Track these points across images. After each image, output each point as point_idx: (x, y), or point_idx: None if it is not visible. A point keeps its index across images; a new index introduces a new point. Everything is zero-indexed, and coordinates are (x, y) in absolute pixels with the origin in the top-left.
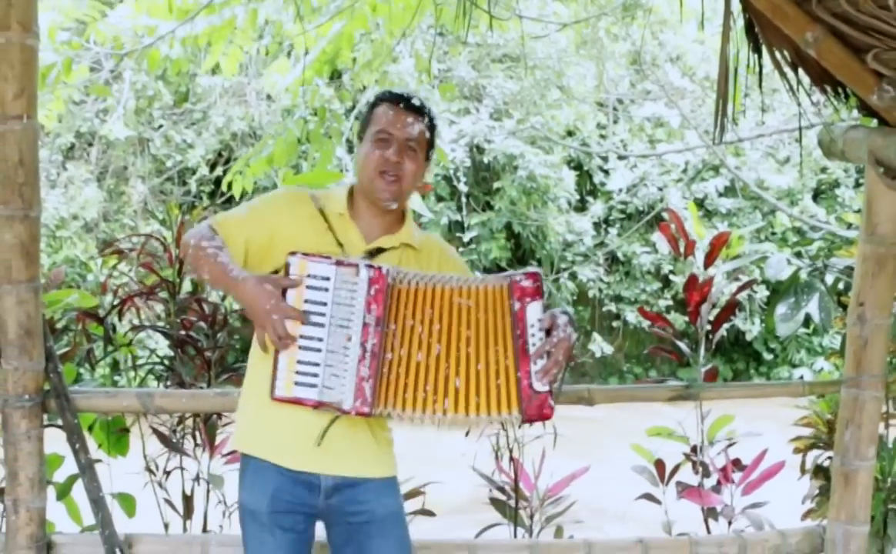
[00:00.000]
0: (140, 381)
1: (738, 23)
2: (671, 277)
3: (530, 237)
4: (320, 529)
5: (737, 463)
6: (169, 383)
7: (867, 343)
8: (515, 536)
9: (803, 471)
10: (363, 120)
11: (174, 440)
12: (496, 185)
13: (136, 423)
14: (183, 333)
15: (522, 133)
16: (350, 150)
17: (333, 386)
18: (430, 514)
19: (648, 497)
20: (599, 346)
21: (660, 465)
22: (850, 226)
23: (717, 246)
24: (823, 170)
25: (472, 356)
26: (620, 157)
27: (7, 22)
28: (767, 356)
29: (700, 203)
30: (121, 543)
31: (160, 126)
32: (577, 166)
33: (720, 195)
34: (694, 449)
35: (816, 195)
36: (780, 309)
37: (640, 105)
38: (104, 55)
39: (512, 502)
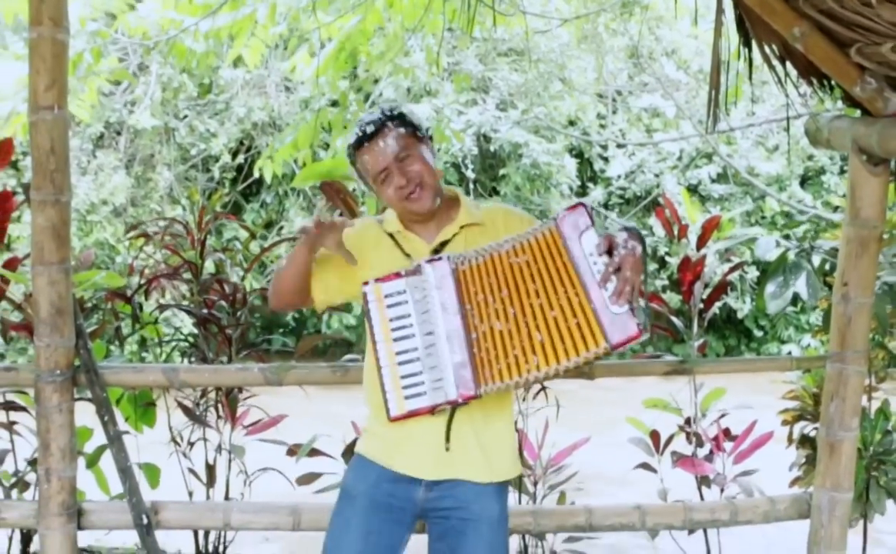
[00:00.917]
0: (165, 356)
1: (730, 18)
2: (667, 258)
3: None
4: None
5: (728, 434)
6: (193, 359)
7: (851, 321)
8: (520, 502)
9: (790, 441)
10: (358, 176)
11: (198, 413)
12: (502, 171)
13: (162, 396)
14: (206, 311)
15: (527, 123)
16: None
17: (439, 385)
18: None
19: (645, 466)
20: None
21: (655, 435)
22: (835, 210)
23: (709, 229)
24: (810, 157)
25: (545, 306)
26: (619, 146)
27: (39, 17)
28: (757, 333)
29: (694, 189)
30: (147, 510)
31: (185, 116)
32: (579, 154)
33: (713, 181)
34: (688, 420)
35: (803, 181)
36: (770, 288)
37: (638, 96)
38: (131, 47)
39: (519, 470)
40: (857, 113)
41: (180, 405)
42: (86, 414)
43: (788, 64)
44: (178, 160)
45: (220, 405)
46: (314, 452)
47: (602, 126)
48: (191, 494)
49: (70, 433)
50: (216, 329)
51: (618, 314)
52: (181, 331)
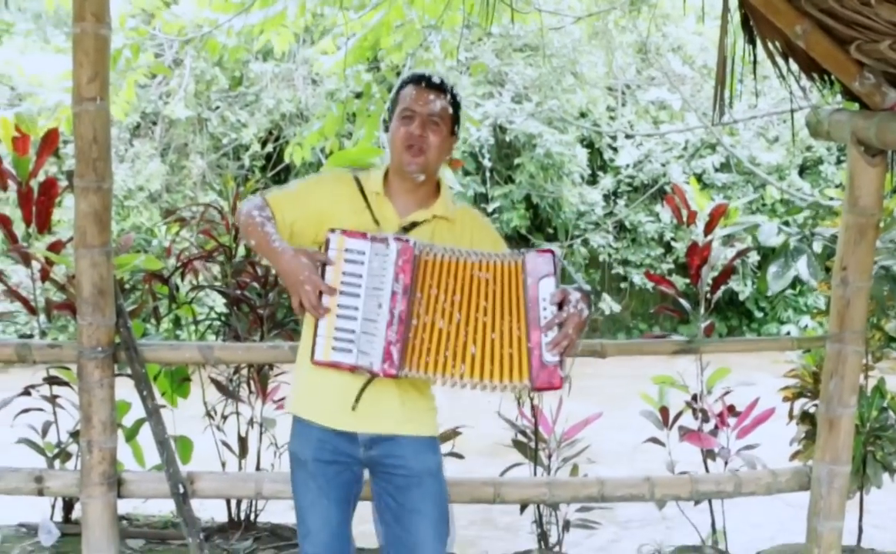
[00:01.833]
0: (200, 335)
1: (735, 17)
2: (673, 243)
3: (547, 208)
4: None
5: (732, 410)
6: (226, 337)
7: (849, 303)
8: (535, 474)
9: (791, 417)
10: (391, 103)
11: (230, 388)
12: (517, 161)
13: (197, 372)
14: (238, 292)
15: (540, 115)
16: (386, 129)
17: (367, 351)
18: (460, 456)
19: (654, 440)
20: (609, 305)
21: (664, 411)
22: (831, 199)
23: (717, 216)
24: (808, 148)
25: (489, 325)
26: (628, 137)
27: (82, 13)
28: (758, 314)
29: (698, 177)
30: (183, 480)
31: (217, 107)
32: (589, 144)
33: (716, 170)
34: (694, 397)
35: (802, 171)
36: (772, 268)
37: (646, 90)
38: (167, 43)
39: (532, 444)
40: (856, 107)
41: (214, 381)
42: (125, 389)
43: (791, 60)
44: (211, 149)
45: (251, 381)
46: None
47: (612, 118)
48: (224, 464)
49: (111, 407)
50: (248, 309)
51: (548, 362)
52: (214, 310)
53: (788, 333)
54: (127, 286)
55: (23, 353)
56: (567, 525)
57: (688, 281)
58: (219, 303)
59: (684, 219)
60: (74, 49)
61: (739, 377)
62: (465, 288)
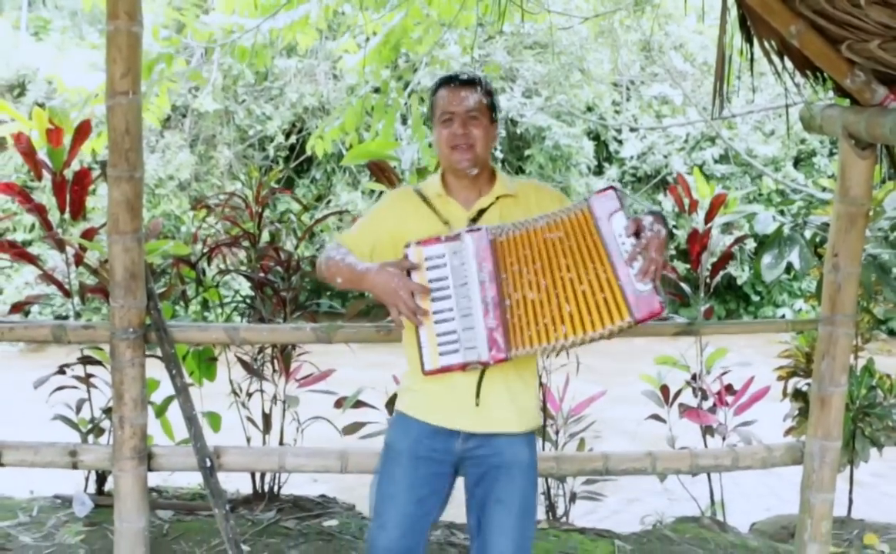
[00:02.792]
0: (226, 317)
1: (733, 16)
2: (675, 230)
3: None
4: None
5: (729, 388)
6: (251, 319)
7: (840, 288)
8: (544, 448)
9: (785, 395)
10: (429, 109)
11: (255, 367)
12: (527, 152)
13: (223, 352)
14: (262, 276)
15: (549, 109)
16: (404, 122)
17: (472, 345)
18: None
19: (655, 417)
20: None
21: (665, 389)
22: (824, 189)
23: (716, 205)
24: (802, 141)
25: (575, 280)
26: (632, 130)
27: (116, 12)
28: (754, 298)
29: (699, 169)
30: (210, 454)
31: (243, 101)
32: (596, 137)
33: (716, 162)
34: (694, 376)
35: (796, 162)
36: (766, 259)
37: (649, 86)
38: (198, 49)
39: (541, 421)
40: (847, 102)
41: (240, 360)
42: (155, 368)
43: (786, 58)
44: (237, 140)
45: (275, 360)
46: (359, 404)
47: (617, 112)
48: (249, 439)
49: (141, 385)
50: (272, 292)
51: (642, 291)
52: (239, 293)
53: (783, 316)
54: (157, 270)
55: (58, 333)
56: (574, 497)
57: (688, 266)
58: (244, 286)
59: (686, 208)
60: (108, 46)
61: (737, 358)
62: (542, 254)
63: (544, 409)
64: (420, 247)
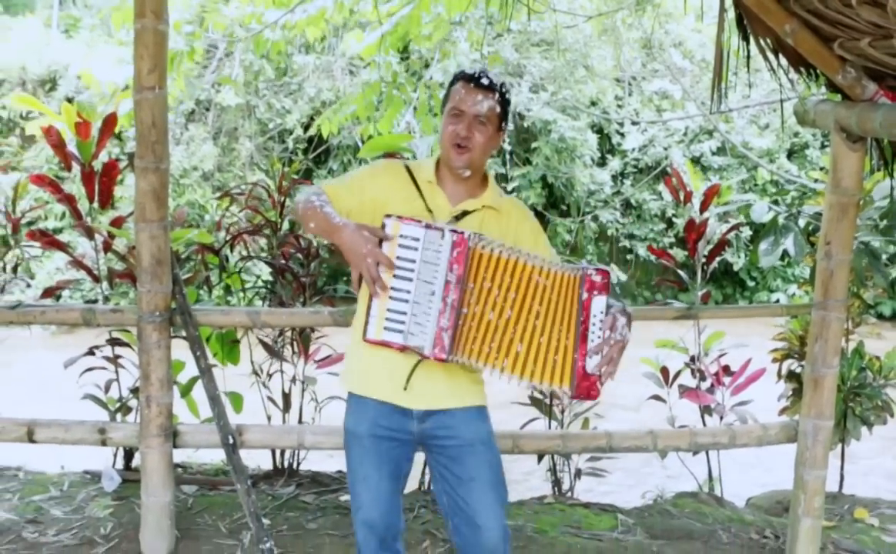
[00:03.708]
0: (248, 301)
1: (730, 16)
2: (674, 219)
3: (561, 187)
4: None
5: (727, 370)
6: (271, 303)
7: (833, 274)
8: (550, 427)
9: (780, 376)
10: (444, 97)
11: (276, 349)
12: (534, 144)
13: (245, 335)
14: (282, 262)
15: (555, 103)
16: (415, 114)
17: (416, 333)
18: None
19: (656, 397)
20: (616, 275)
21: (665, 371)
22: (816, 180)
23: (710, 195)
24: (796, 134)
25: (539, 329)
26: (633, 123)
27: (143, 11)
28: (750, 283)
29: (697, 160)
30: (233, 432)
31: (264, 95)
32: (599, 130)
33: (713, 154)
34: (692, 358)
35: (790, 154)
36: (763, 246)
37: (650, 81)
38: (219, 41)
39: (547, 401)
40: (839, 98)
41: (261, 342)
42: (180, 349)
43: (780, 55)
44: (258, 133)
45: (294, 342)
46: None
47: (619, 106)
48: (269, 418)
49: (167, 366)
50: (291, 277)
51: (590, 375)
52: (260, 279)
53: (778, 301)
54: (182, 257)
55: (88, 317)
56: (578, 473)
57: (686, 253)
58: (265, 272)
59: (682, 198)
60: (136, 43)
61: (733, 340)
62: (520, 288)
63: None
64: (399, 222)
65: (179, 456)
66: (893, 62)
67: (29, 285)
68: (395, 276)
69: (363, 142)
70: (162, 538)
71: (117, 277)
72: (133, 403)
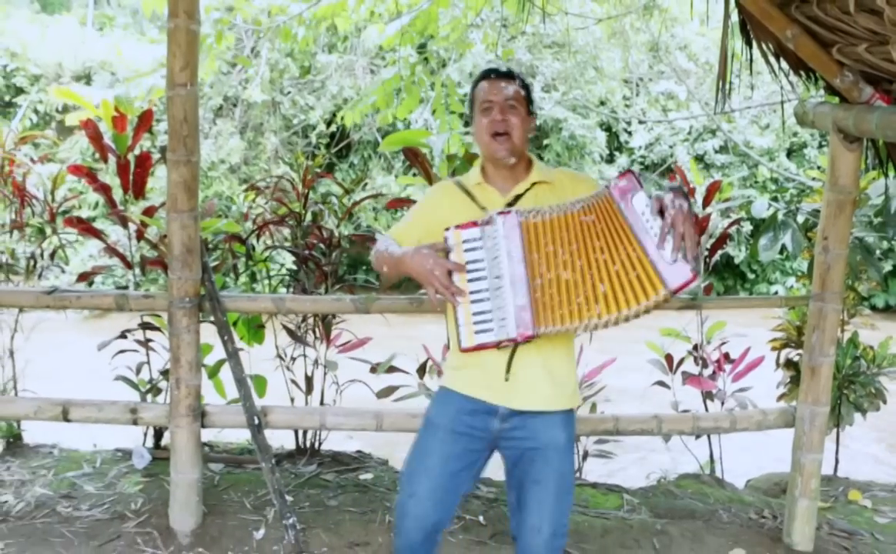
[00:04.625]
0: (273, 288)
1: (734, 20)
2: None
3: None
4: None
5: (727, 357)
6: (295, 290)
7: (830, 268)
8: None
9: (778, 364)
10: (469, 103)
11: (299, 334)
12: (546, 142)
13: (270, 320)
14: (306, 251)
15: (566, 102)
16: (434, 112)
17: (503, 324)
18: None
19: (660, 383)
20: None
21: (669, 358)
22: (814, 178)
23: (712, 191)
24: (795, 134)
25: (609, 260)
26: (640, 122)
27: (176, 10)
28: (750, 276)
29: (700, 158)
30: (258, 413)
31: (288, 92)
32: (608, 128)
33: (716, 152)
34: (695, 346)
35: (789, 153)
36: (763, 241)
37: (656, 82)
38: (245, 32)
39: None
40: (837, 100)
41: (285, 328)
42: (208, 334)
43: (781, 59)
44: (283, 128)
45: (317, 328)
46: (392, 369)
47: (627, 106)
48: (292, 400)
49: (196, 349)
50: (314, 266)
51: (673, 263)
52: (285, 267)
53: (777, 293)
54: (211, 246)
55: (120, 302)
56: (586, 455)
57: None
58: (289, 261)
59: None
60: (169, 42)
61: (734, 330)
62: (578, 236)
63: None
64: (458, 230)
65: (207, 435)
66: (889, 67)
67: (63, 271)
68: (469, 280)
69: (382, 138)
70: (190, 513)
71: (149, 264)
72: (163, 384)
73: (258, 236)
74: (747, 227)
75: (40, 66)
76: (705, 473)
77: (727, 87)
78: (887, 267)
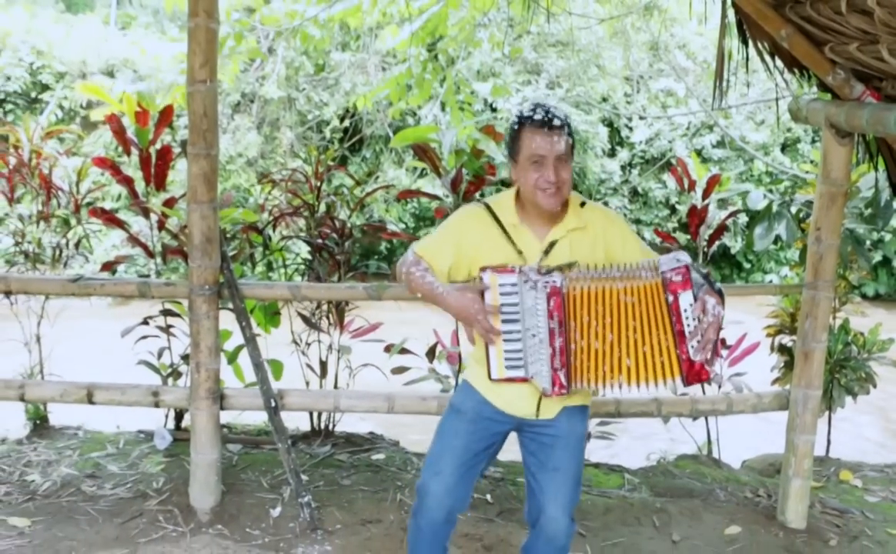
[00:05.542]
0: (288, 276)
1: (731, 20)
2: (677, 206)
3: (574, 176)
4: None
5: (724, 343)
6: (309, 278)
7: (822, 258)
8: None
9: (773, 350)
10: (511, 138)
11: (314, 320)
12: None
13: (286, 307)
14: (320, 241)
15: (569, 99)
16: (443, 110)
17: (537, 371)
18: None
19: None
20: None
21: None
22: (807, 172)
23: (712, 184)
24: (789, 130)
25: (639, 341)
26: (641, 118)
27: (196, 10)
28: (746, 265)
29: (698, 153)
30: (274, 395)
31: (303, 89)
32: (609, 124)
33: (713, 147)
34: None
35: (783, 148)
36: (758, 230)
37: (656, 80)
38: (263, 33)
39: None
40: (829, 97)
41: (300, 314)
42: (227, 320)
43: (776, 57)
44: (298, 123)
45: (331, 314)
46: (404, 351)
47: (628, 102)
48: (308, 383)
49: (215, 335)
50: (328, 255)
51: (695, 361)
52: (300, 256)
53: (771, 281)
54: (229, 235)
55: (142, 289)
56: (589, 436)
57: (688, 237)
58: (304, 250)
59: (686, 186)
60: (189, 40)
61: (730, 316)
62: (613, 312)
63: None
64: (496, 275)
65: (226, 417)
66: (879, 65)
67: (87, 261)
68: (503, 320)
69: (394, 133)
70: (209, 492)
71: (170, 253)
72: (183, 368)
73: (274, 227)
74: (743, 219)
75: (65, 64)
76: (703, 454)
77: (724, 84)
78: (877, 257)
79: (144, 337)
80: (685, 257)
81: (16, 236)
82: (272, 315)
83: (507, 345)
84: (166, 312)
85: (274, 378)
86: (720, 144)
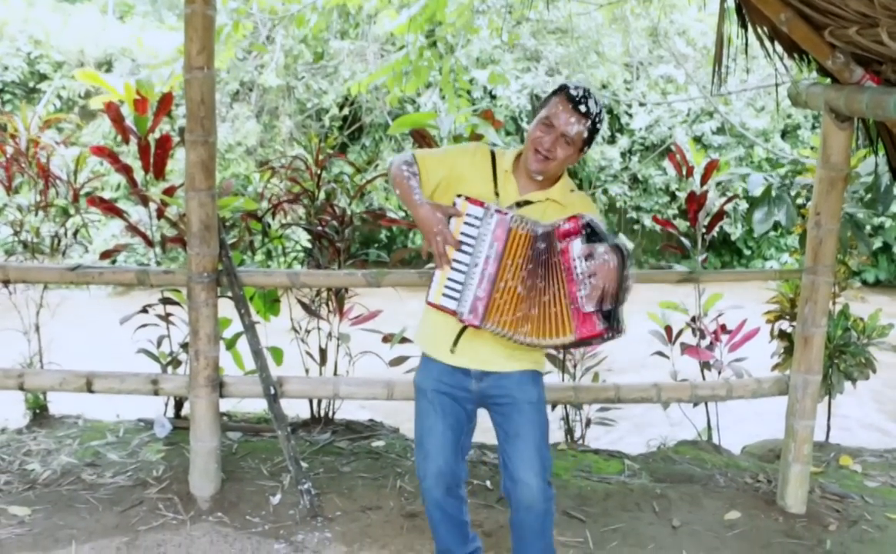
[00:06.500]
0: (288, 264)
1: (730, 5)
2: (677, 192)
3: (575, 163)
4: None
5: (724, 329)
6: (309, 266)
7: (822, 242)
8: (563, 380)
9: (773, 335)
10: (546, 96)
11: (313, 307)
12: None
13: (285, 294)
14: (319, 228)
15: None
16: (443, 98)
17: (463, 300)
18: None
19: (660, 353)
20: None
21: (668, 330)
22: (806, 157)
23: (709, 170)
24: (789, 116)
25: (543, 289)
26: (641, 105)
27: None
28: (746, 251)
29: (698, 139)
30: (274, 383)
31: (302, 77)
32: (609, 111)
33: (713, 133)
34: (693, 318)
35: (783, 134)
36: (758, 215)
37: (656, 66)
38: (261, 20)
39: (560, 356)
40: (829, 81)
41: (299, 302)
42: (226, 308)
43: (776, 42)
44: (297, 112)
45: (330, 302)
46: (403, 340)
47: (628, 89)
48: (307, 371)
49: (214, 322)
50: (327, 242)
51: (586, 313)
52: (299, 244)
53: (771, 267)
54: (228, 223)
55: (142, 278)
56: (589, 422)
57: (689, 224)
58: (303, 238)
59: (684, 173)
60: (186, 27)
61: (731, 302)
62: (534, 259)
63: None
64: (467, 202)
65: (225, 405)
66: (879, 49)
67: (87, 250)
68: (457, 249)
69: (393, 120)
70: (209, 480)
71: (169, 241)
72: (183, 356)
73: (274, 214)
74: (743, 205)
75: (63, 54)
76: (702, 440)
77: (724, 70)
78: (877, 243)
79: (143, 326)
80: (584, 213)
81: (14, 226)
82: (271, 303)
83: (452, 273)
84: (165, 301)
85: (274, 365)
86: (720, 131)
